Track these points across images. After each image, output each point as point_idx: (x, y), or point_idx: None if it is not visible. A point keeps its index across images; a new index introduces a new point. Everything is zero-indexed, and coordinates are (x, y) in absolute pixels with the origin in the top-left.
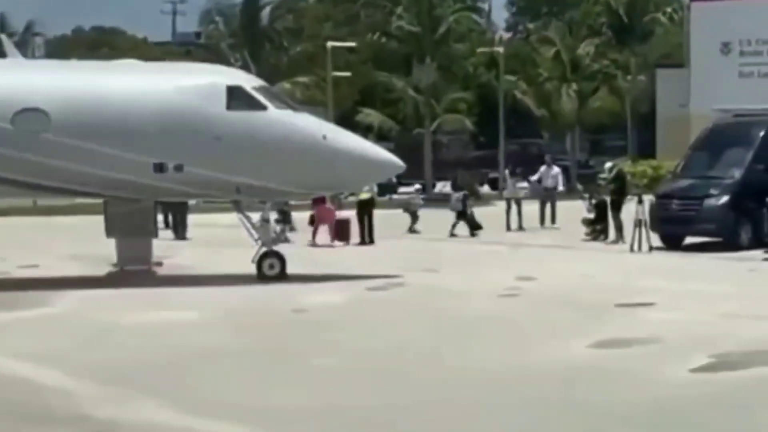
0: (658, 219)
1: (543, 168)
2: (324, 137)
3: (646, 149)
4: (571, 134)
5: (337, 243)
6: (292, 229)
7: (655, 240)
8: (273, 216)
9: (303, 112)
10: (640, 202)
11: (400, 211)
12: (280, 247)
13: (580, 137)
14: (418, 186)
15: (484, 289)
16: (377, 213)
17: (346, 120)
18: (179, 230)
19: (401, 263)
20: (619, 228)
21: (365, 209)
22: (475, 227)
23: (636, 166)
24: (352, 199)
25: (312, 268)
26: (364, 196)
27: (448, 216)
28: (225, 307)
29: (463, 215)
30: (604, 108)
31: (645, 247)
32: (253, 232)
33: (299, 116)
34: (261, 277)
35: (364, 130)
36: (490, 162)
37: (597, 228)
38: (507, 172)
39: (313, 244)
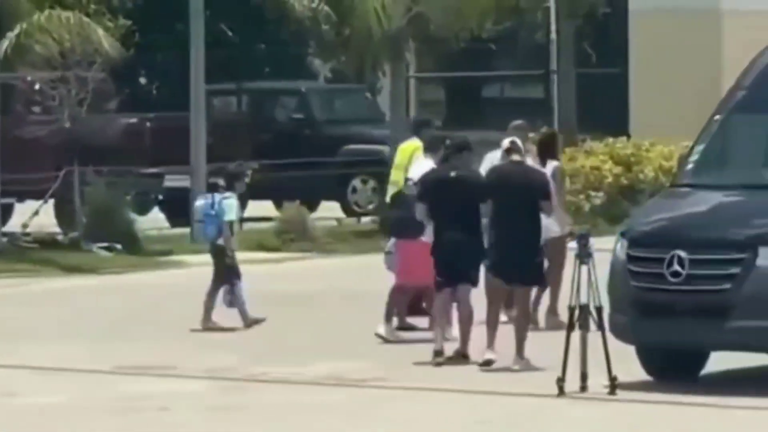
0: (634, 304)
1: None
2: None
3: (600, 110)
4: (391, 62)
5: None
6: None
7: (628, 358)
8: None
9: None
10: (584, 256)
11: None
12: None
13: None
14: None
15: None
16: None
17: None
18: None
19: None
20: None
21: None
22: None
23: (582, 154)
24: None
25: None
26: None
27: None
28: None
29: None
30: None
31: (595, 381)
32: None
33: None
34: None
35: None
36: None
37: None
38: None
39: (404, 326)
